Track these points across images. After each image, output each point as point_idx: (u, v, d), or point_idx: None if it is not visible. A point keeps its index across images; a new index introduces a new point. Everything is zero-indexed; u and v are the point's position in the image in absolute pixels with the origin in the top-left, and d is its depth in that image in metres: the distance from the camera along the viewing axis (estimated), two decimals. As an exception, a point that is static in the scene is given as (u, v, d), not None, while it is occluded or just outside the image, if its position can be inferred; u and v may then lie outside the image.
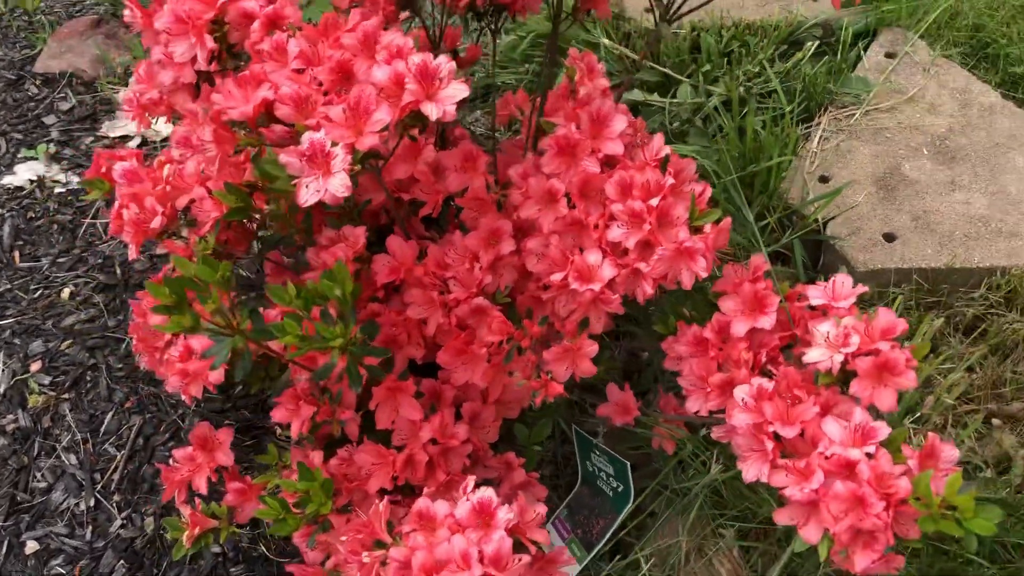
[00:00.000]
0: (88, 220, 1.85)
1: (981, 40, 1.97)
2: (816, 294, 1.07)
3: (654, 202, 1.04)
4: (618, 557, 1.40)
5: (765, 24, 1.86)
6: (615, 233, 1.07)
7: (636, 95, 1.74)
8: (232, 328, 0.98)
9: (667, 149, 1.07)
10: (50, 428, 1.54)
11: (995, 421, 1.40)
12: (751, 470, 0.99)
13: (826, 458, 0.93)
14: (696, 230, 1.07)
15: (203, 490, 1.21)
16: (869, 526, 0.90)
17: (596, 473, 1.42)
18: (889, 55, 1.82)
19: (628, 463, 1.34)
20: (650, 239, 1.05)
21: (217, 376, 1.13)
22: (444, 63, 0.89)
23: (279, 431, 1.59)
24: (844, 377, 0.99)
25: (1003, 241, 1.50)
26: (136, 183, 1.24)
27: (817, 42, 1.84)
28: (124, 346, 1.65)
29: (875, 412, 0.98)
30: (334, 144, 0.86)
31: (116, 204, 1.17)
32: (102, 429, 1.54)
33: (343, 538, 1.00)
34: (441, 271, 1.16)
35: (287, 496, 1.09)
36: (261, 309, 1.07)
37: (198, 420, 1.55)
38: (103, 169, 1.29)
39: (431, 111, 0.88)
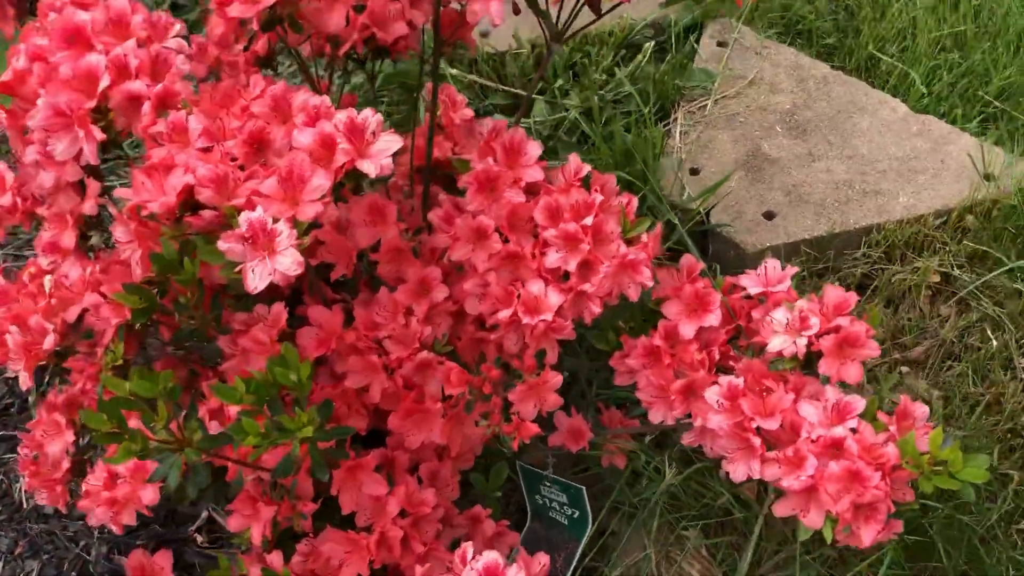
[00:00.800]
0: (-79, 354, 1.63)
1: (791, 19, 2.10)
2: (751, 283, 1.09)
3: (588, 221, 1.02)
4: (589, 584, 1.37)
5: (601, 32, 1.90)
6: (552, 259, 1.04)
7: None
8: (180, 441, 0.88)
9: (587, 167, 1.06)
10: (-68, 598, 1.35)
11: (903, 368, 1.48)
12: (739, 469, 0.99)
13: (812, 441, 0.95)
14: (629, 242, 1.07)
15: (152, 626, 1.09)
16: (869, 499, 0.91)
17: (547, 505, 1.39)
18: (721, 44, 1.90)
19: (583, 488, 1.31)
20: (589, 258, 1.04)
21: (152, 497, 1.02)
22: (371, 116, 0.84)
23: (200, 539, 1.46)
24: (800, 363, 1.01)
25: (870, 200, 1.59)
26: (7, 302, 1.10)
27: (652, 42, 1.90)
28: (-1, 485, 1.47)
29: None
30: (275, 220, 0.79)
31: (-5, 330, 1.04)
32: (-4, 584, 1.36)
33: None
34: (373, 332, 1.10)
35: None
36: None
37: (105, 549, 1.41)
38: (-40, 294, 1.13)
39: (369, 168, 0.83)
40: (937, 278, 1.52)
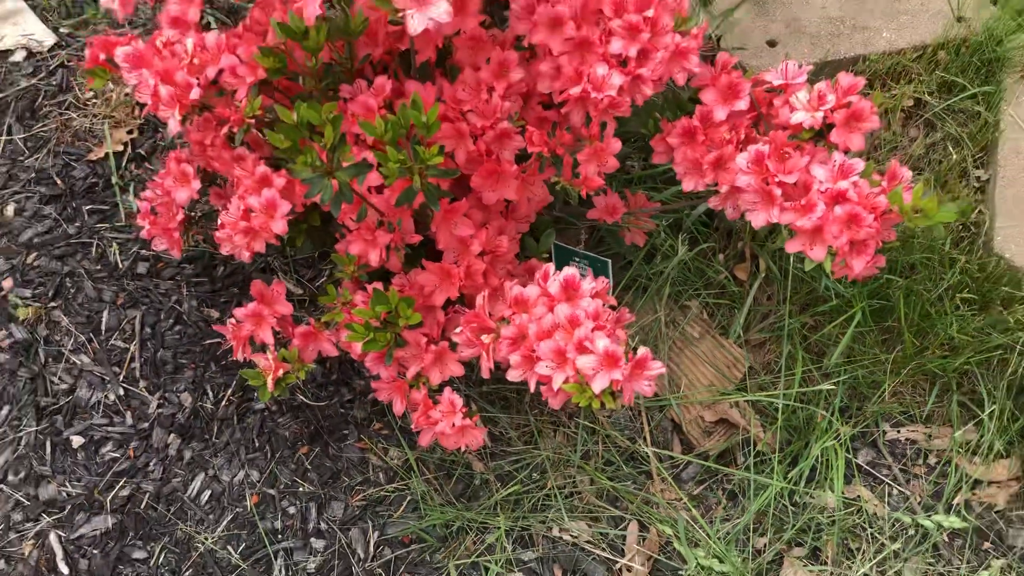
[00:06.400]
0: (5, 138, 1.79)
1: None
2: (773, 77, 1.33)
3: (649, 13, 1.24)
4: (607, 343, 1.64)
5: None
6: (616, 46, 1.26)
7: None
8: (330, 167, 1.10)
9: (648, -32, 1.27)
10: (49, 336, 1.56)
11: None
12: (760, 216, 1.24)
13: (821, 193, 1.20)
14: (680, 34, 1.28)
15: (270, 340, 1.32)
16: (864, 236, 1.18)
17: (575, 279, 1.63)
18: None
19: (609, 260, 1.57)
20: (647, 47, 1.25)
21: (281, 227, 1.23)
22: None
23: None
24: (816, 134, 1.26)
25: (858, 34, 1.82)
26: (141, 65, 1.28)
27: None
28: (94, 249, 1.66)
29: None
30: (431, -21, 0.99)
31: (152, 83, 1.22)
32: (103, 327, 1.58)
33: (457, 330, 1.17)
34: (459, 106, 1.31)
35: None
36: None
37: (196, 303, 1.63)
38: (101, 57, 1.31)
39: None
40: (911, 102, 1.77)
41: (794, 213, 1.21)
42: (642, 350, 1.08)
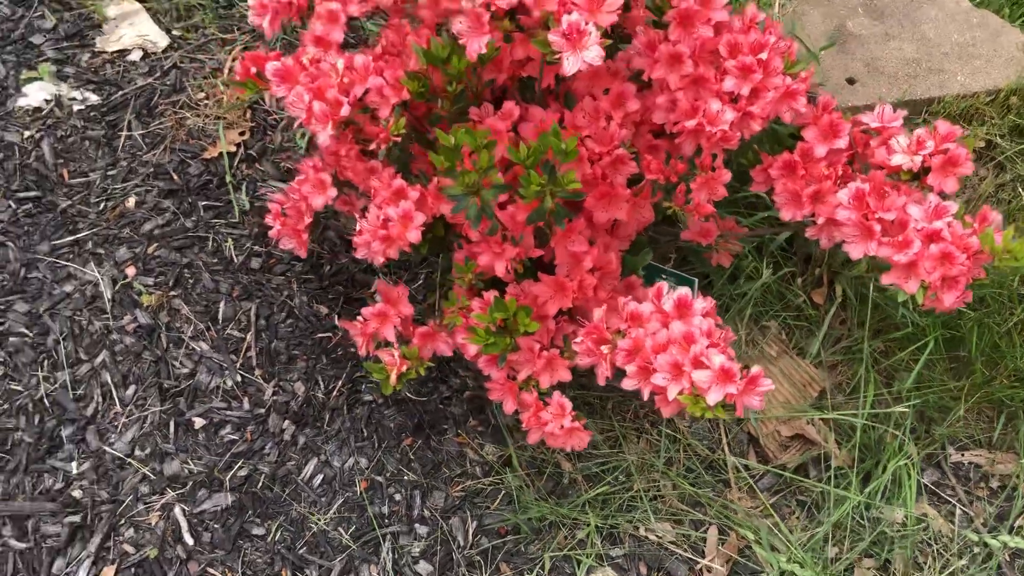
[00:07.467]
0: (125, 133, 1.91)
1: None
2: (870, 120, 1.42)
3: (763, 56, 1.34)
4: (687, 357, 1.74)
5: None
6: (729, 84, 1.36)
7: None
8: (476, 186, 1.20)
9: (761, 15, 1.37)
10: (170, 322, 1.67)
11: (947, 214, 1.84)
12: (858, 249, 1.34)
13: (917, 231, 1.30)
14: (790, 77, 1.38)
15: (391, 338, 1.43)
16: (955, 273, 1.28)
17: (659, 295, 1.74)
18: (812, -69, 2.18)
19: (695, 279, 1.67)
20: (758, 87, 1.36)
21: (416, 237, 1.34)
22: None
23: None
24: (913, 176, 1.36)
25: (933, 76, 1.92)
26: (288, 80, 1.39)
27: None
28: (210, 243, 1.78)
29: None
30: (585, 23, 1.09)
31: (307, 98, 1.33)
32: (220, 317, 1.69)
33: (578, 340, 1.27)
34: (577, 131, 1.41)
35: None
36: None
37: (306, 298, 1.74)
38: (252, 71, 1.42)
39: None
40: (982, 144, 1.87)
41: (891, 248, 1.30)
42: (755, 368, 1.18)
